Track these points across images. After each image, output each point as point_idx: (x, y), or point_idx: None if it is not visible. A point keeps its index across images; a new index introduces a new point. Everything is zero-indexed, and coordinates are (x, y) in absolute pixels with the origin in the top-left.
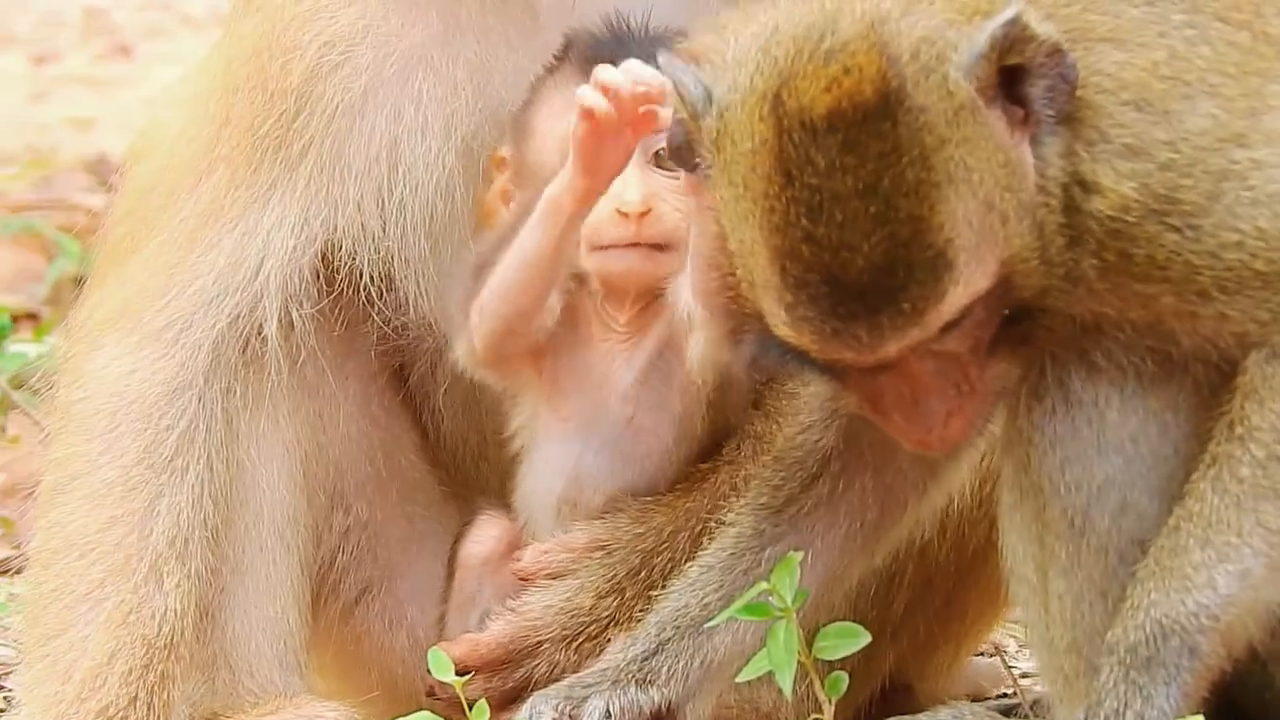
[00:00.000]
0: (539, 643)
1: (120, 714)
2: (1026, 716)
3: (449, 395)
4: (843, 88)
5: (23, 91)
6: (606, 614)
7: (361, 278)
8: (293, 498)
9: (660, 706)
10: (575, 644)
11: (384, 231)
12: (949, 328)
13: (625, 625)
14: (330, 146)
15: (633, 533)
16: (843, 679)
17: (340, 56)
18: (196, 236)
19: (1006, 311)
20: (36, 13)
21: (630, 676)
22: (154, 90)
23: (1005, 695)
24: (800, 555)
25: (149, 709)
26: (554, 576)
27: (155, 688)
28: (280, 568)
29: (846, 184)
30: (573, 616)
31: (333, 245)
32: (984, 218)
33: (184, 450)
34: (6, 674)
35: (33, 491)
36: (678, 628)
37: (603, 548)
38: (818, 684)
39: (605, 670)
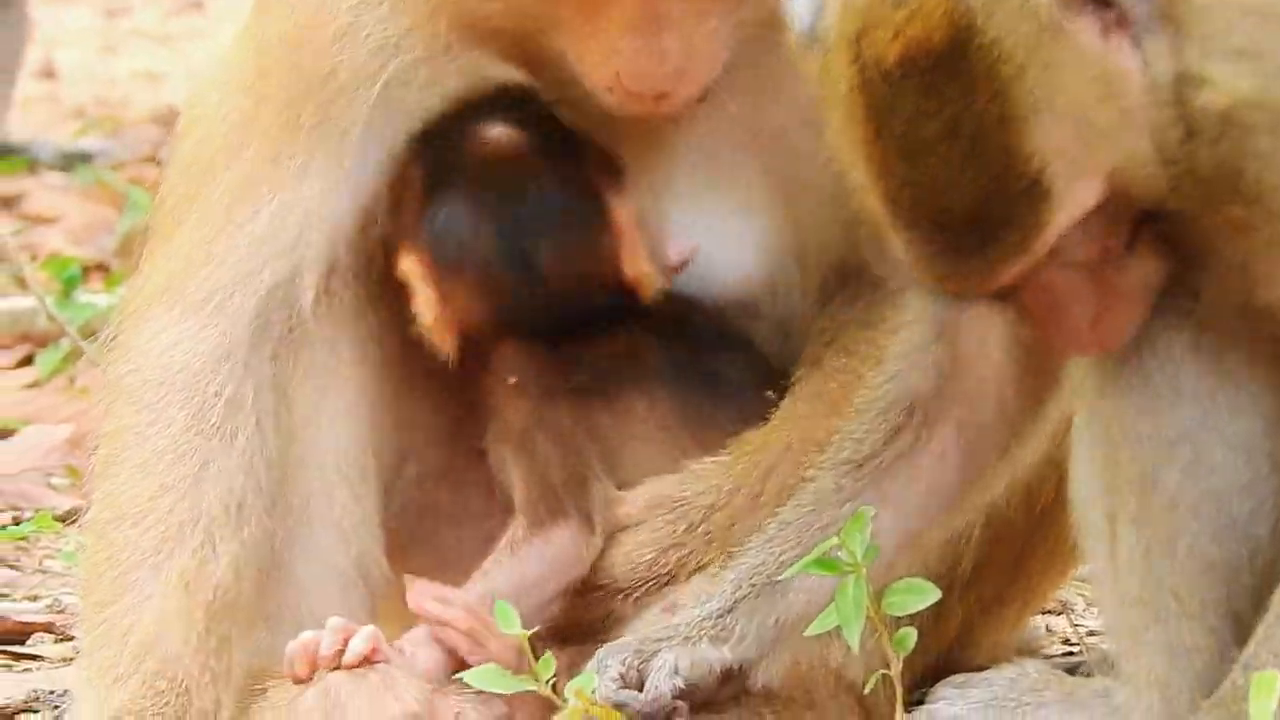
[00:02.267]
0: (599, 588)
1: (179, 678)
2: (1090, 674)
3: None
4: (910, 34)
5: (94, 45)
6: (667, 570)
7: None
8: (358, 452)
9: (732, 665)
10: (634, 597)
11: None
12: (1063, 247)
13: (685, 581)
14: (367, 120)
15: (694, 489)
16: (911, 634)
17: (376, 32)
18: (234, 209)
19: (1135, 217)
20: None
21: (703, 633)
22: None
23: (1070, 653)
24: (872, 510)
25: (210, 673)
26: (617, 529)
27: (215, 652)
28: (349, 520)
29: (930, 129)
30: (633, 570)
31: (375, 210)
32: (1079, 137)
33: (232, 416)
34: (72, 624)
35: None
36: (753, 585)
37: (665, 504)
38: (886, 640)
39: (677, 625)
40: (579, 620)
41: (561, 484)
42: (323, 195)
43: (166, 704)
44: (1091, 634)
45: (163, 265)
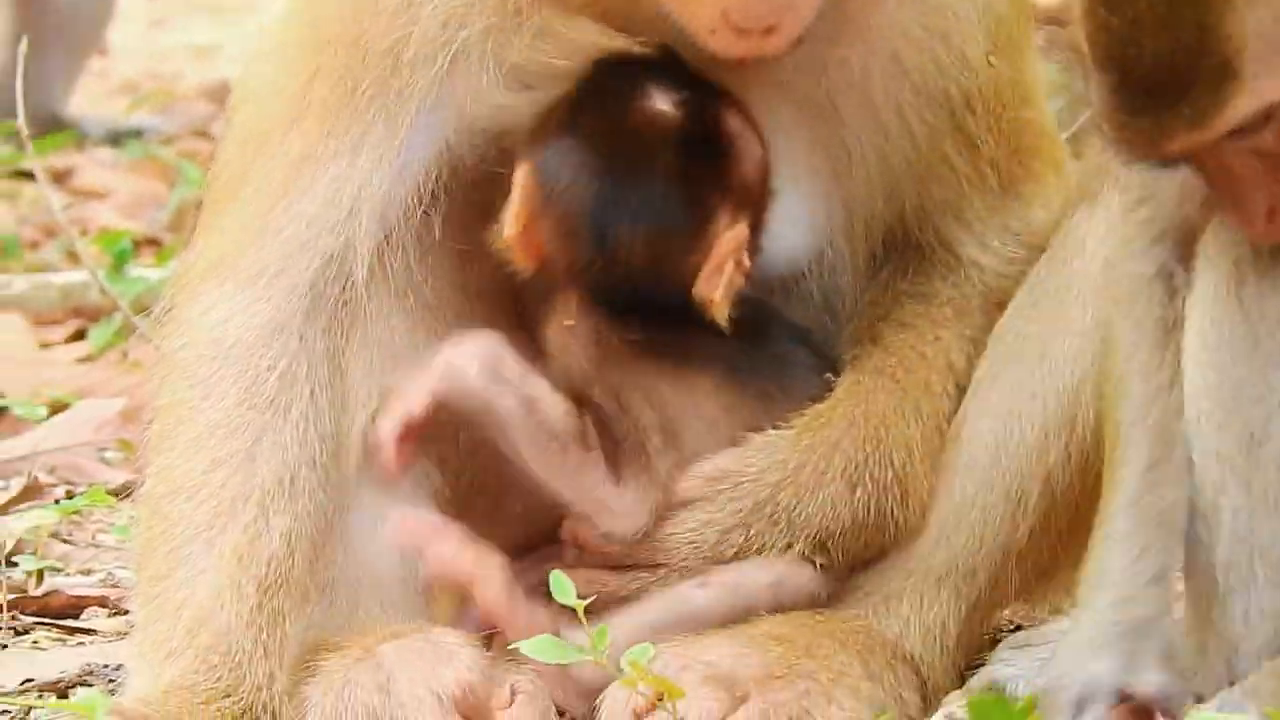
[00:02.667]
0: (659, 566)
1: (232, 652)
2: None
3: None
4: None
5: (144, 19)
6: (733, 552)
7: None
8: None
9: None
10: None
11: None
12: (1243, 131)
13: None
14: (428, 93)
15: (759, 465)
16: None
17: (443, 3)
18: (288, 184)
19: None
20: None
21: None
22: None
23: None
24: None
25: (262, 646)
26: (681, 504)
27: (268, 625)
28: (403, 491)
29: None
30: (696, 549)
31: (429, 184)
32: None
33: (285, 389)
34: (125, 598)
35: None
36: None
37: (729, 479)
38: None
39: None
40: (634, 581)
41: (617, 443)
42: (378, 169)
43: (219, 678)
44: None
45: (216, 240)
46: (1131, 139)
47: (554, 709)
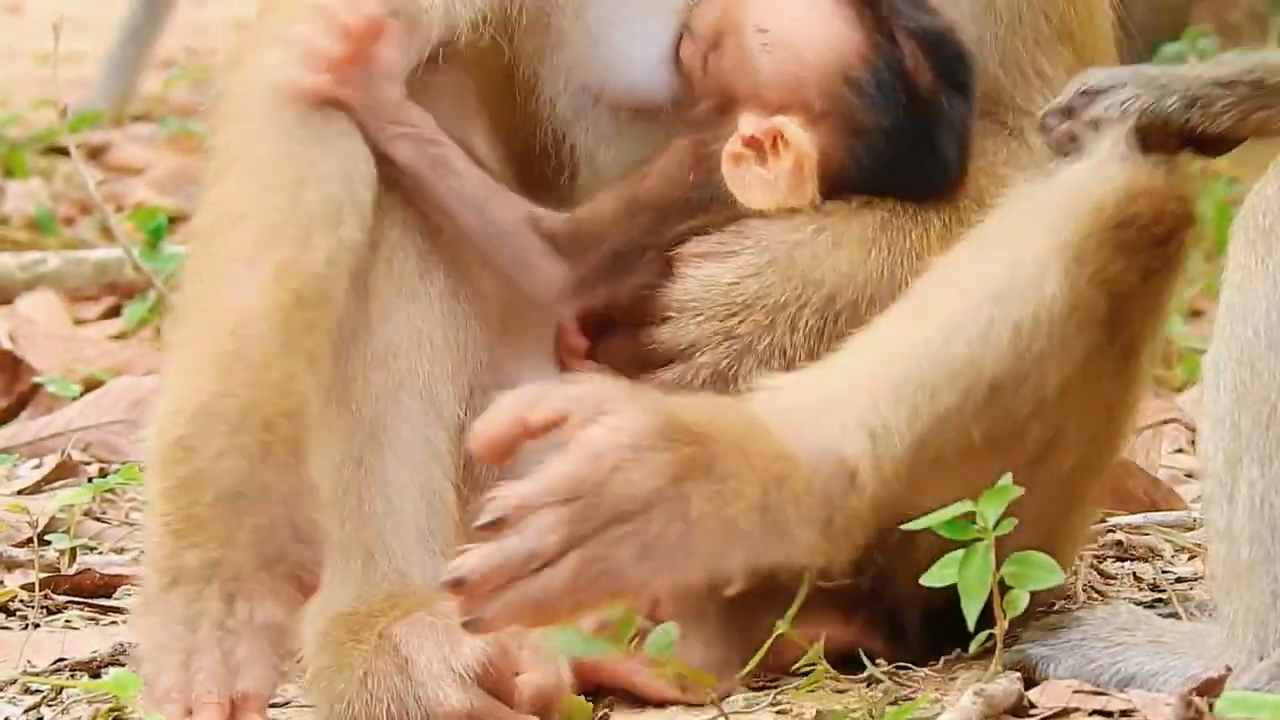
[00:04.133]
0: (669, 316)
1: (266, 354)
2: (1179, 617)
3: None
4: None
5: None
6: (741, 299)
7: None
8: (438, 367)
9: None
10: (704, 318)
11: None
12: None
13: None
14: None
15: (778, 227)
16: (1023, 598)
17: None
18: None
19: None
20: None
21: None
22: None
23: (1159, 600)
24: (1013, 487)
25: (292, 350)
26: (700, 257)
27: (300, 333)
28: (427, 437)
29: None
30: (708, 292)
31: None
32: None
33: (333, 121)
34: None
35: None
36: None
37: (750, 235)
38: (997, 602)
39: None
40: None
41: None
42: None
43: (241, 382)
44: (1179, 580)
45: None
46: None
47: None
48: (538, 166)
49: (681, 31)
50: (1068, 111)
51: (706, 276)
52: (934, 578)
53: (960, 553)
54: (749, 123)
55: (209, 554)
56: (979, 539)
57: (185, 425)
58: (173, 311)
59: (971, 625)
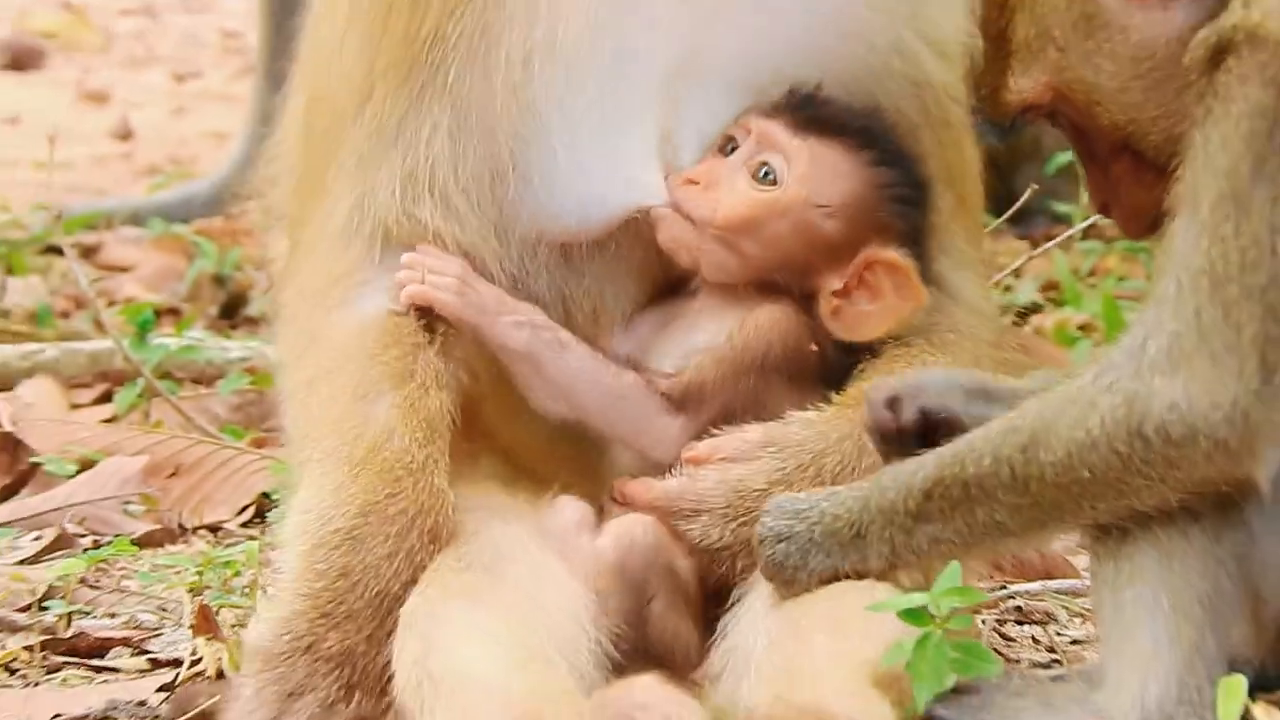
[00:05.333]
0: (701, 510)
1: (417, 464)
2: (1073, 680)
3: None
4: None
5: (166, 106)
6: None
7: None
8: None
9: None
10: (736, 522)
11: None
12: (1029, 111)
13: None
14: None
15: (802, 434)
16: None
17: None
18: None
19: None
20: (178, 35)
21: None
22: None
23: (1055, 661)
24: (959, 570)
25: (437, 466)
26: (728, 460)
27: (438, 456)
28: None
29: None
30: (740, 496)
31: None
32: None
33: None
34: (148, 639)
35: (174, 472)
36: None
37: (774, 444)
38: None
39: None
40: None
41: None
42: (437, 127)
43: (407, 488)
44: (1073, 642)
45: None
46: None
47: None
48: None
49: (667, 214)
50: (892, 404)
51: (735, 479)
52: (886, 660)
53: (915, 637)
54: (830, 279)
55: (349, 642)
56: (933, 628)
57: (352, 519)
58: (294, 438)
59: (921, 709)
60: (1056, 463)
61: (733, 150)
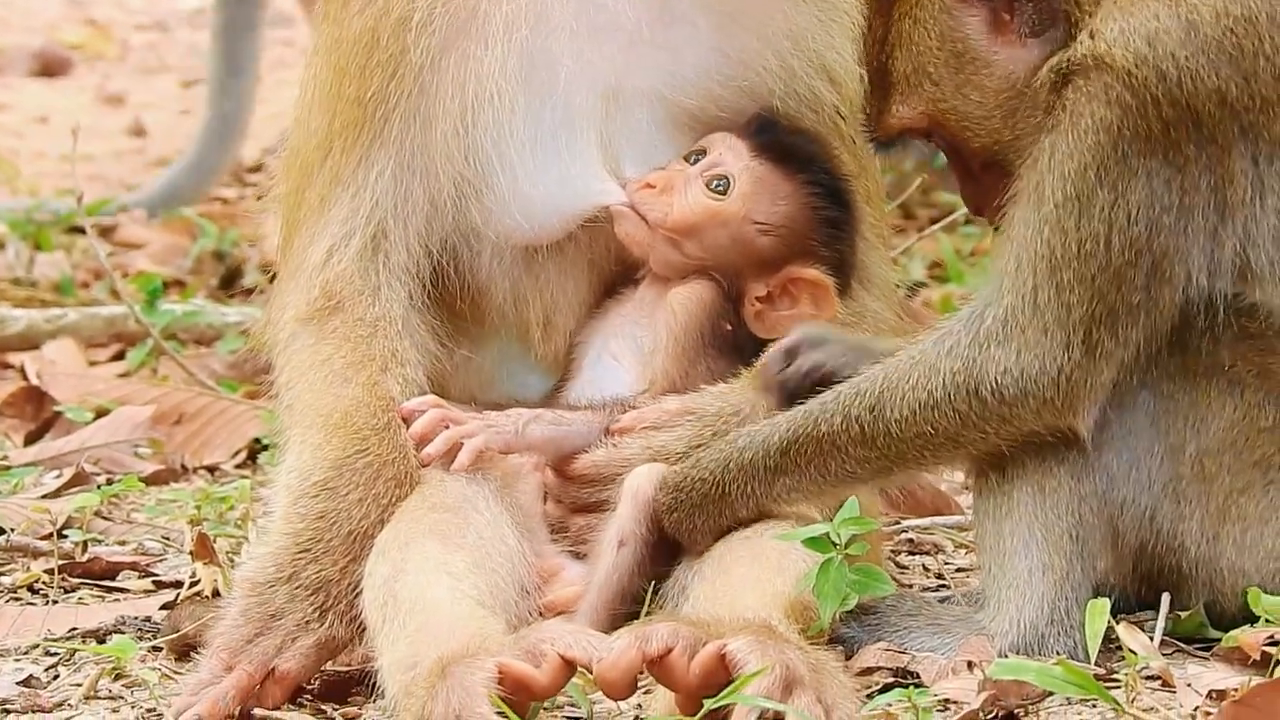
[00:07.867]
0: (622, 473)
1: (383, 424)
2: (959, 602)
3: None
4: None
5: (174, 108)
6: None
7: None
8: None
9: None
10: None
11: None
12: (908, 134)
13: None
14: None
15: (718, 404)
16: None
17: (427, 17)
18: (326, 201)
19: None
20: (185, 47)
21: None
22: (278, 108)
23: (942, 587)
24: (857, 503)
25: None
26: (650, 429)
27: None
28: None
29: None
30: (664, 459)
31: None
32: (914, 75)
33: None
34: (153, 564)
35: (178, 420)
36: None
37: (692, 413)
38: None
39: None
40: (601, 492)
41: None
42: (383, 174)
43: (375, 444)
44: (959, 570)
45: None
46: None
47: None
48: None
49: (624, 212)
50: (789, 354)
51: (659, 445)
52: (797, 589)
53: (819, 562)
54: (756, 285)
55: (325, 573)
56: (834, 555)
57: (326, 472)
58: (281, 410)
59: (826, 624)
60: (902, 420)
61: (697, 160)
